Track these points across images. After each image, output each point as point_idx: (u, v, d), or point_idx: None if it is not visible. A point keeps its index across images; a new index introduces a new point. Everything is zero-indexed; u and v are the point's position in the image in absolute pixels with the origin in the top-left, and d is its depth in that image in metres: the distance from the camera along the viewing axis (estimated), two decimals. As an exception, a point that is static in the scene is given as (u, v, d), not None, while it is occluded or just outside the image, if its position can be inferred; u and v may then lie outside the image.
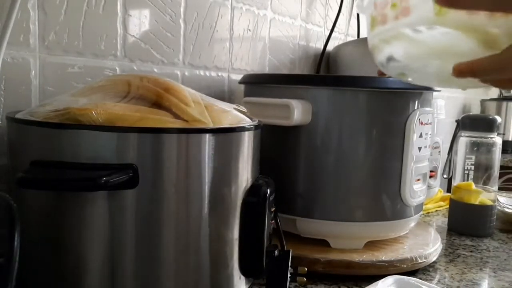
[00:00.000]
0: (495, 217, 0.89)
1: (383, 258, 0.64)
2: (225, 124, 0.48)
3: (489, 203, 0.89)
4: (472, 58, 0.37)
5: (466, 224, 0.89)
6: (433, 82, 0.55)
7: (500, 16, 0.35)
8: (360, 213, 0.67)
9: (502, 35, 0.36)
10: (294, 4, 1.05)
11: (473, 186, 0.90)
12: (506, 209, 0.98)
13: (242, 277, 0.50)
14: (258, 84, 0.72)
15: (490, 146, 0.90)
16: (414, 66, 0.43)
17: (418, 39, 0.39)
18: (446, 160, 1.07)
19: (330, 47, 1.16)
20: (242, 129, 0.48)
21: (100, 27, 0.66)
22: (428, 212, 1.06)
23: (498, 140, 0.90)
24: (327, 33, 1.18)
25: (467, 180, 0.92)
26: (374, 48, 0.44)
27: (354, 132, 0.65)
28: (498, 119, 0.91)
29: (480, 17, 0.35)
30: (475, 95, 2.38)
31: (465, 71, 0.37)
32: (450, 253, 0.78)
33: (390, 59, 0.43)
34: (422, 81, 0.50)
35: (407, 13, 0.38)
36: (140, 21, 0.71)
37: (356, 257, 0.64)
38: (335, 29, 1.19)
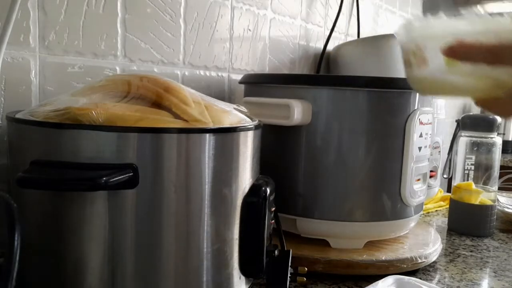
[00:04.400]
0: (495, 217, 0.89)
1: (383, 258, 0.64)
2: (225, 124, 0.48)
3: (489, 203, 0.89)
4: (487, 94, 0.42)
5: (466, 224, 0.89)
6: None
7: (499, 66, 0.40)
8: (360, 213, 0.67)
9: (507, 79, 0.40)
10: (294, 4, 1.05)
11: (473, 186, 0.90)
12: (506, 209, 0.98)
13: (242, 277, 0.50)
14: (258, 84, 0.72)
15: (490, 146, 0.90)
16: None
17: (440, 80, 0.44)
18: (446, 160, 1.07)
19: (330, 47, 1.16)
20: (242, 129, 0.48)
21: (100, 27, 0.66)
22: (428, 212, 1.06)
23: (498, 140, 0.90)
24: (327, 33, 1.18)
25: (467, 180, 0.92)
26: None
27: (354, 132, 0.65)
28: (498, 119, 0.91)
29: (483, 67, 0.40)
30: (475, 95, 2.37)
31: (456, 49, 0.41)
32: (450, 253, 0.78)
33: None
34: None
35: (425, 63, 0.44)
36: (140, 21, 0.71)
37: (356, 257, 0.64)
38: (335, 29, 1.19)
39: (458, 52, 0.41)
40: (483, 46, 0.40)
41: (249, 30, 0.93)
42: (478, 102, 0.44)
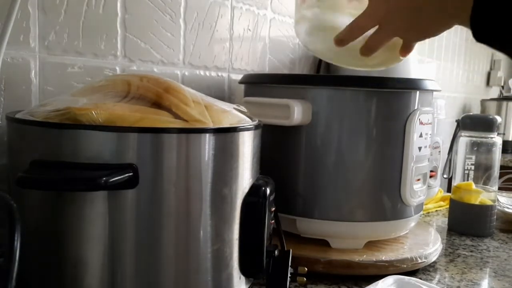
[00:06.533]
0: (495, 217, 0.89)
1: (383, 258, 0.64)
2: (225, 124, 0.48)
3: (489, 203, 0.89)
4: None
5: (466, 224, 0.89)
6: (333, 59, 0.65)
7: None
8: (360, 213, 0.67)
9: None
10: (294, 4, 1.05)
11: (473, 186, 0.90)
12: (506, 209, 0.98)
13: (242, 277, 0.50)
14: (258, 84, 0.72)
15: (490, 146, 0.90)
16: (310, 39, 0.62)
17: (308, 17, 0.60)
18: (446, 160, 1.07)
19: (330, 47, 1.16)
20: (242, 129, 0.48)
21: (100, 27, 0.66)
22: (428, 212, 1.06)
23: (498, 140, 0.90)
24: (327, 33, 1.17)
25: (467, 180, 0.92)
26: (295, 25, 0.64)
27: (354, 132, 0.65)
28: (498, 119, 0.91)
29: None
30: (476, 95, 2.38)
31: (343, 38, 0.56)
32: (450, 253, 0.78)
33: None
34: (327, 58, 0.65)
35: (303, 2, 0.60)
36: (140, 21, 0.71)
37: (356, 257, 0.64)
38: (335, 29, 1.18)
39: (340, 40, 0.56)
40: (347, 26, 0.54)
41: (249, 30, 0.93)
42: (336, 39, 0.56)
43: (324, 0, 0.58)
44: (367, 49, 0.56)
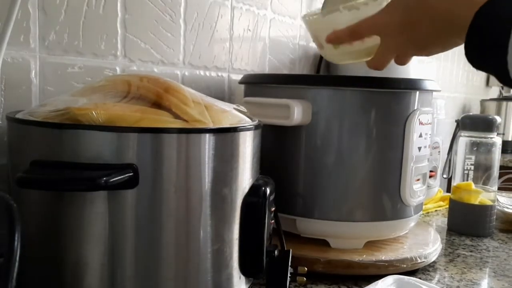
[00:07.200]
0: (494, 217, 0.89)
1: (383, 258, 0.64)
2: (225, 124, 0.48)
3: (489, 203, 0.89)
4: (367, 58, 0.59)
5: (466, 224, 0.89)
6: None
7: (368, 38, 0.58)
8: (360, 213, 0.67)
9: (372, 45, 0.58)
10: (294, 4, 1.05)
11: (473, 186, 0.90)
12: (506, 209, 0.98)
13: (242, 277, 0.50)
14: (258, 84, 0.72)
15: (489, 146, 0.90)
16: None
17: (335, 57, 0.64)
18: (446, 160, 1.07)
19: (330, 47, 1.16)
20: (242, 129, 0.48)
21: (100, 27, 0.66)
22: (428, 212, 1.06)
23: (498, 140, 0.90)
24: (327, 33, 1.17)
25: (467, 180, 0.92)
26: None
27: (354, 132, 0.65)
28: (498, 119, 0.91)
29: (356, 44, 0.59)
30: (475, 95, 2.38)
31: (339, 37, 0.59)
32: (450, 253, 0.78)
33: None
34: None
35: (322, 47, 0.63)
36: (140, 21, 0.71)
37: (356, 257, 0.64)
38: (335, 29, 1.18)
39: (331, 39, 0.59)
40: (346, 29, 0.57)
41: (249, 30, 0.93)
42: (368, 64, 0.59)
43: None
44: (375, 68, 0.58)
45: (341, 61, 0.67)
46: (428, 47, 0.54)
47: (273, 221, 0.54)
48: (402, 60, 0.58)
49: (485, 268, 0.72)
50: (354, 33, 0.57)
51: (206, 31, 0.83)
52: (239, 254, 0.49)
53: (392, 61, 0.60)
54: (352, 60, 0.63)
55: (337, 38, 0.59)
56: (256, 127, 0.50)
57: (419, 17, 0.51)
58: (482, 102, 2.37)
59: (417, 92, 0.68)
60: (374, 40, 0.57)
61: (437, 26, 0.50)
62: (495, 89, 2.66)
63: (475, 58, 0.46)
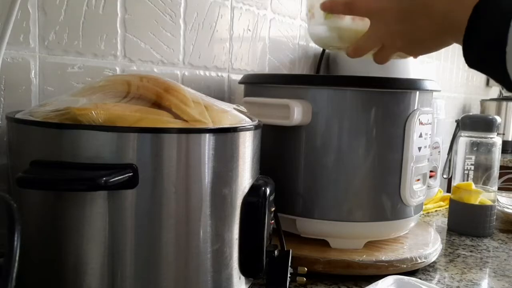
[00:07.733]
0: (494, 217, 0.89)
1: (383, 258, 0.64)
2: (225, 124, 0.48)
3: (489, 203, 0.89)
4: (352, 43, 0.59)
5: (466, 224, 0.89)
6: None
7: (359, 20, 0.58)
8: (360, 213, 0.67)
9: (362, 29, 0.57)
10: (294, 4, 1.05)
11: (473, 186, 0.90)
12: (506, 209, 0.98)
13: (242, 277, 0.50)
14: (258, 84, 0.72)
15: (490, 146, 0.90)
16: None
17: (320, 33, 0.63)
18: (446, 160, 1.07)
19: (330, 47, 1.16)
20: (242, 129, 0.48)
21: (100, 27, 0.66)
22: (428, 212, 1.06)
23: (498, 140, 0.90)
24: (327, 33, 1.17)
25: (467, 180, 0.92)
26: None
27: (354, 132, 0.65)
28: (498, 119, 0.91)
29: (347, 21, 0.59)
30: (475, 95, 2.38)
31: (327, 5, 0.58)
32: (450, 253, 0.78)
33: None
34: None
35: (313, 17, 0.63)
36: (140, 21, 0.71)
37: (356, 257, 0.64)
38: (335, 29, 1.18)
39: (326, 6, 0.59)
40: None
41: (249, 30, 0.93)
42: (348, 49, 0.59)
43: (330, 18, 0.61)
44: (353, 53, 0.59)
45: (324, 41, 0.65)
46: (420, 42, 0.54)
47: (273, 221, 0.54)
48: (383, 56, 0.57)
49: (485, 268, 0.72)
50: (349, 5, 0.56)
51: (206, 31, 0.83)
52: (239, 254, 0.49)
53: (392, 61, 0.60)
54: (335, 44, 0.63)
55: (332, 6, 0.58)
56: (256, 127, 0.50)
57: (418, 8, 0.51)
58: (482, 102, 2.37)
59: (417, 92, 0.68)
60: (363, 25, 0.57)
61: (435, 20, 0.50)
62: (495, 89, 2.66)
63: (474, 52, 0.46)
